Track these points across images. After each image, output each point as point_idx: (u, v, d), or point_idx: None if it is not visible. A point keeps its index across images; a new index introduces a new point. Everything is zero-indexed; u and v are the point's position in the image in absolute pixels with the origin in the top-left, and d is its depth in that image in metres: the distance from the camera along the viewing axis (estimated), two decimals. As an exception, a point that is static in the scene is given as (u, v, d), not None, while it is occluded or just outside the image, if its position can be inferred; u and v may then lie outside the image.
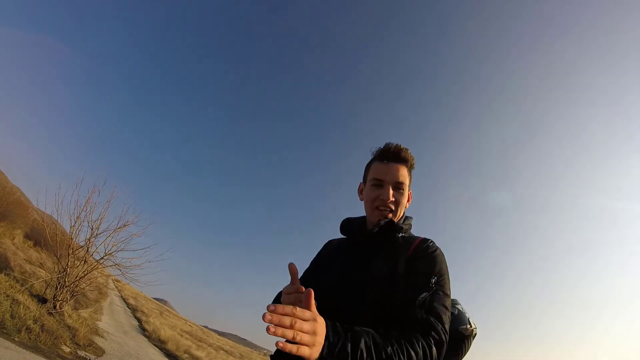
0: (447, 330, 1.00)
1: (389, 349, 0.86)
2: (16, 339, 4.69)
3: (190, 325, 29.04)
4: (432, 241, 1.18)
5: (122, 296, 23.44)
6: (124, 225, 8.43)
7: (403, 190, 1.25)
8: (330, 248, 1.36)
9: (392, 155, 1.26)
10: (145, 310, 19.09)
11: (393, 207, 1.23)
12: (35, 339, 5.03)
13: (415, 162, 1.30)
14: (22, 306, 5.66)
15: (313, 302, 0.78)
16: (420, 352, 0.90)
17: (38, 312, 6.01)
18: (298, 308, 0.73)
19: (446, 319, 1.02)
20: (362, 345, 0.82)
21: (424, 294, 1.02)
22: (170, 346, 11.48)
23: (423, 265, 1.10)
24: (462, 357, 1.18)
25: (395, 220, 1.25)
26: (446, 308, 1.04)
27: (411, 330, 0.96)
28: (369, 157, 1.34)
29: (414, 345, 0.90)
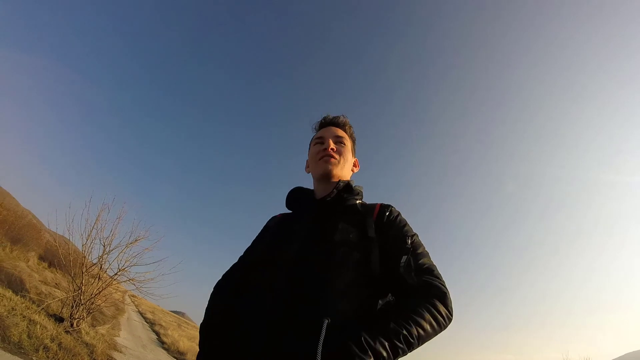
0: (443, 280, 0.99)
1: (404, 331, 0.82)
2: (34, 358, 4.69)
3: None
4: (393, 206, 1.16)
5: (139, 311, 23.57)
6: (136, 241, 8.46)
7: (344, 144, 1.27)
8: (278, 221, 1.24)
9: (329, 121, 1.34)
10: (163, 324, 19.16)
11: (337, 156, 1.23)
12: (53, 358, 5.03)
13: (353, 131, 1.35)
14: (38, 326, 5.68)
15: None
16: (429, 316, 0.87)
17: (55, 331, 6.02)
18: None
19: (437, 271, 1.01)
20: (379, 348, 0.78)
21: (404, 257, 1.00)
22: (189, 357, 11.48)
23: (393, 230, 1.08)
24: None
25: (341, 173, 1.23)
26: (432, 262, 1.04)
27: (410, 298, 0.93)
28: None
29: (421, 313, 0.87)
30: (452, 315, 0.92)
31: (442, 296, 0.92)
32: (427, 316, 0.87)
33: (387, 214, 1.11)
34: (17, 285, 8.25)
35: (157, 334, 15.16)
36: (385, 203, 1.17)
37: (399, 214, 1.14)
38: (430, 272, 0.98)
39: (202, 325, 1.06)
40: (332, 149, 1.22)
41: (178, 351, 11.93)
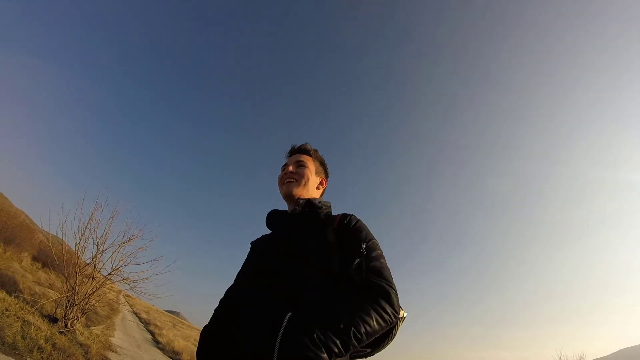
0: (391, 281, 1.07)
1: (353, 328, 0.91)
2: (28, 359, 4.70)
3: (204, 335, 28.99)
4: (353, 215, 1.28)
5: (134, 311, 23.46)
6: (129, 240, 8.41)
7: (306, 166, 1.44)
8: (256, 245, 1.37)
9: (294, 150, 1.52)
10: (158, 323, 19.09)
11: (295, 178, 1.39)
12: (47, 358, 5.03)
13: (319, 154, 1.53)
14: (33, 327, 5.68)
15: None
16: (375, 314, 0.97)
17: (49, 332, 6.02)
18: None
19: (387, 272, 1.10)
20: (331, 344, 0.88)
21: (357, 260, 1.10)
22: (184, 357, 11.47)
23: (350, 236, 1.18)
24: (390, 341, 1.18)
25: (303, 192, 1.38)
26: (382, 264, 1.12)
27: (355, 296, 1.01)
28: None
29: (367, 311, 0.96)
30: (397, 313, 1.03)
31: (387, 295, 1.02)
32: (374, 314, 0.96)
33: (345, 221, 1.22)
34: (10, 286, 8.22)
35: (152, 333, 15.12)
36: (347, 213, 1.29)
37: (357, 221, 1.25)
38: (378, 273, 1.07)
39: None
40: (291, 172, 1.41)
41: (173, 351, 11.91)
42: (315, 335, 0.88)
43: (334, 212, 1.36)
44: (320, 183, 1.48)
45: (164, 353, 11.52)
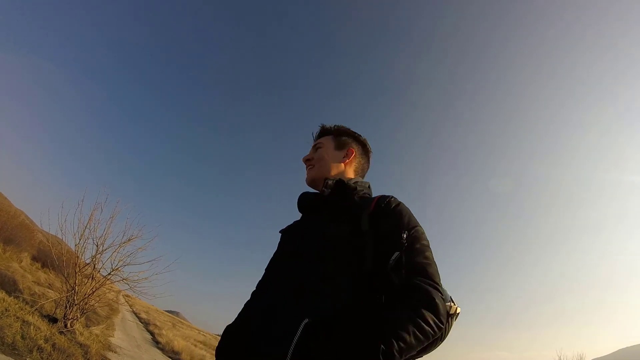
0: (438, 281, 0.90)
1: (382, 346, 0.76)
2: (28, 359, 4.70)
3: (204, 335, 29.01)
4: (393, 197, 1.08)
5: (133, 311, 23.44)
6: (129, 240, 8.39)
7: (321, 147, 1.31)
8: (285, 234, 1.26)
9: (315, 137, 1.40)
10: (158, 323, 19.07)
11: (312, 163, 1.29)
12: (47, 358, 5.03)
13: (342, 126, 1.36)
14: (32, 327, 5.67)
15: None
16: (412, 327, 0.79)
17: (49, 332, 6.01)
18: None
19: (433, 270, 0.91)
20: None
21: (395, 254, 0.91)
22: (184, 357, 11.46)
23: (388, 222, 0.98)
24: (440, 342, 1.00)
25: (325, 173, 1.24)
26: (428, 259, 0.93)
27: (396, 303, 0.84)
28: None
29: (403, 324, 0.79)
30: (442, 324, 0.85)
31: (430, 302, 0.84)
32: (411, 328, 0.79)
33: (382, 205, 1.03)
34: (10, 286, 8.21)
35: (152, 333, 15.11)
36: (386, 195, 1.09)
37: (398, 204, 1.05)
38: (423, 272, 0.89)
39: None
40: (306, 159, 1.31)
41: (173, 351, 11.89)
42: (334, 350, 0.77)
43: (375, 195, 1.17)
44: (346, 155, 1.29)
45: (164, 353, 11.51)
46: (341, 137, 1.33)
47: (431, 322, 0.82)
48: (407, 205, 1.07)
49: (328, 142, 1.32)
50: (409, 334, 0.78)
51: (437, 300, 0.85)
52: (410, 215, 1.03)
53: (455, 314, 0.99)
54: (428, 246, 0.97)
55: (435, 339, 0.89)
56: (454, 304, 1.00)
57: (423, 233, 1.00)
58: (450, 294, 1.08)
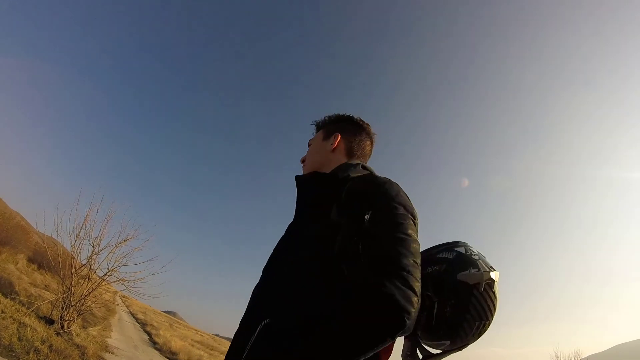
0: (407, 275, 0.73)
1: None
2: (25, 361, 4.71)
3: (201, 335, 29.03)
4: (369, 174, 0.99)
5: (130, 311, 23.37)
6: (125, 240, 8.40)
7: (311, 144, 1.26)
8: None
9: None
10: (155, 324, 19.04)
11: (303, 163, 1.25)
12: (44, 360, 5.05)
13: (331, 116, 1.27)
14: (29, 328, 5.67)
15: None
16: (360, 334, 0.69)
17: (46, 334, 6.02)
18: None
19: (404, 262, 0.74)
20: None
21: (360, 244, 0.78)
22: (181, 357, 11.48)
23: (352, 205, 0.85)
24: (479, 314, 0.83)
25: (316, 166, 1.16)
26: (399, 248, 0.76)
27: (347, 304, 0.73)
28: None
29: (348, 333, 0.69)
30: (404, 326, 0.69)
31: (388, 309, 0.69)
32: (356, 335, 0.69)
33: (349, 186, 0.91)
34: (6, 288, 8.18)
35: (149, 334, 15.09)
36: (364, 174, 1.02)
37: (374, 180, 0.92)
38: (387, 266, 0.73)
39: None
40: (302, 160, 1.27)
41: (170, 351, 11.90)
42: (278, 353, 0.74)
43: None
44: (332, 142, 1.17)
45: (161, 353, 11.51)
46: (328, 126, 1.24)
47: (386, 327, 0.69)
48: (393, 181, 0.91)
49: (318, 136, 1.25)
50: (354, 344, 0.69)
51: (399, 305, 0.69)
52: (382, 193, 0.86)
53: (484, 283, 0.84)
54: (401, 228, 0.79)
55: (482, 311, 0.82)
56: (479, 269, 0.86)
57: (398, 214, 0.82)
58: (477, 257, 0.91)
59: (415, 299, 0.71)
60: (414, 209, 0.87)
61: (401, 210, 0.83)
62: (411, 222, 0.83)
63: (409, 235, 0.79)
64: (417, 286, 0.73)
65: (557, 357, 18.53)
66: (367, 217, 0.80)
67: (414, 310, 0.70)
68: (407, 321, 0.69)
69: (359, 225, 0.80)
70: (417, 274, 0.75)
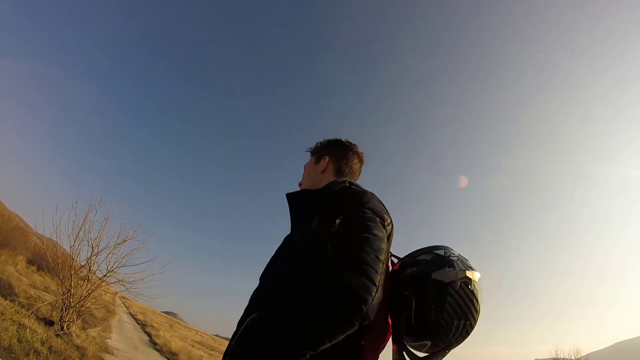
0: (365, 273, 0.80)
1: (286, 345, 0.77)
2: (25, 362, 4.71)
3: (201, 335, 29.01)
4: (345, 182, 1.10)
5: (130, 312, 23.36)
6: (124, 241, 8.36)
7: (305, 169, 1.39)
8: None
9: None
10: (155, 325, 19.03)
11: (300, 186, 1.38)
12: (44, 361, 5.05)
13: (321, 142, 1.39)
14: (28, 330, 5.67)
15: None
16: (318, 328, 0.77)
17: (45, 335, 6.02)
18: None
19: (366, 261, 0.82)
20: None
21: (328, 245, 0.88)
22: (182, 358, 11.47)
23: (326, 212, 0.95)
24: (456, 312, 0.87)
25: (308, 188, 1.31)
26: (358, 247, 0.84)
27: (312, 299, 0.82)
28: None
29: (304, 328, 0.78)
30: (360, 311, 0.77)
31: (344, 296, 0.78)
32: (316, 329, 0.77)
33: (327, 197, 1.02)
34: (6, 290, 8.17)
35: (149, 335, 15.09)
36: (341, 181, 1.13)
37: (336, 191, 1.04)
38: (348, 261, 0.82)
39: None
40: (299, 184, 1.40)
41: (170, 352, 11.89)
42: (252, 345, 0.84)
43: None
44: (322, 164, 1.30)
45: (161, 354, 11.51)
46: (319, 151, 1.37)
47: (341, 322, 0.77)
48: (369, 192, 1.02)
49: (311, 161, 1.39)
50: (312, 336, 0.77)
51: (354, 300, 0.78)
52: (355, 200, 0.95)
53: (460, 281, 0.89)
54: (366, 231, 0.87)
55: (463, 312, 0.87)
56: (454, 268, 0.90)
57: (364, 218, 0.90)
58: (456, 258, 0.96)
59: (373, 289, 0.80)
60: (384, 212, 0.98)
61: (369, 213, 0.92)
62: (379, 224, 0.92)
63: (374, 235, 0.87)
64: (377, 278, 0.81)
65: (557, 355, 18.54)
66: (337, 221, 0.91)
67: (370, 297, 0.78)
68: (364, 306, 0.78)
69: (331, 229, 0.90)
70: (378, 267, 0.83)
